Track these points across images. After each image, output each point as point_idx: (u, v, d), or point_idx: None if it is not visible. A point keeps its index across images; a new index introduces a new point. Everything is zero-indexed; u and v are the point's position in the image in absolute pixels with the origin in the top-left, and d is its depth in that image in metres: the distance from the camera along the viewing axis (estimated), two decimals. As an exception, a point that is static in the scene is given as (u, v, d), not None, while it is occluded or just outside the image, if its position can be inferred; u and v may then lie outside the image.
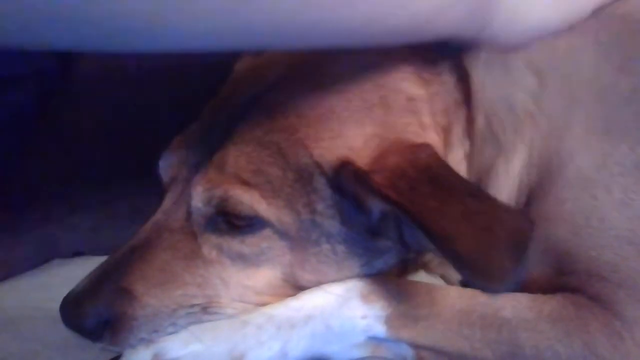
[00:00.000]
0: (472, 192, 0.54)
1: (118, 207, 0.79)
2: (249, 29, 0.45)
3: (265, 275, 0.62)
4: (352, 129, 0.59)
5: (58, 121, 0.83)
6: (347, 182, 0.57)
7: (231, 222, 0.60)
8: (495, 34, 0.59)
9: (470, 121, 0.65)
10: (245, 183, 0.59)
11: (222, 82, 0.71)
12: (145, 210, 0.65)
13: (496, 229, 0.50)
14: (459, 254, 0.49)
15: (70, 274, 0.68)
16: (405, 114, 0.61)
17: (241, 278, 0.61)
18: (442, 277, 0.70)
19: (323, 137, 0.59)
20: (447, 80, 0.66)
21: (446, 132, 0.64)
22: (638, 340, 0.57)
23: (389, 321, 0.61)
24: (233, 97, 0.65)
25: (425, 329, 0.61)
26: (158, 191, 0.66)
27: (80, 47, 0.44)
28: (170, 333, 0.60)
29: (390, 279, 0.64)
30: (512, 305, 0.60)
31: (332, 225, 0.60)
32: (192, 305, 0.60)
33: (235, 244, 0.60)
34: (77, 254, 0.80)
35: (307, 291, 0.62)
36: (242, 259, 0.61)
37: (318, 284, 0.62)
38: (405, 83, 0.63)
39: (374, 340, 0.62)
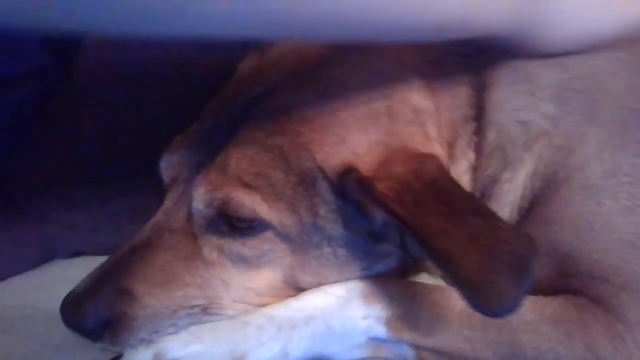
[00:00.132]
0: (477, 210, 0.53)
1: (118, 207, 0.79)
2: (288, 17, 0.44)
3: (266, 277, 0.62)
4: (357, 136, 0.59)
5: (58, 121, 0.83)
6: (351, 188, 0.57)
7: (232, 223, 0.60)
8: (539, 35, 0.59)
9: (479, 134, 0.65)
10: (247, 185, 0.59)
11: (224, 82, 0.70)
12: (145, 211, 0.65)
13: (500, 253, 0.49)
14: (460, 276, 0.48)
15: (70, 274, 0.68)
16: (411, 124, 0.61)
17: (242, 279, 0.61)
18: (443, 278, 0.70)
19: (327, 142, 0.59)
20: (460, 94, 0.65)
21: (450, 146, 0.64)
22: None
23: (389, 322, 0.61)
24: (236, 97, 0.65)
25: (426, 330, 0.61)
26: (158, 191, 0.66)
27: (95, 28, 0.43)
28: (171, 334, 0.60)
29: (391, 280, 0.64)
30: None
31: (334, 229, 0.60)
32: (193, 306, 0.60)
33: (236, 245, 0.60)
34: (77, 254, 0.79)
35: (308, 292, 0.62)
36: (243, 261, 0.61)
37: (318, 286, 0.62)
38: (414, 94, 0.63)
39: (375, 341, 0.62)
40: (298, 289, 0.62)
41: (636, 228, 0.60)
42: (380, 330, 0.61)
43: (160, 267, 0.60)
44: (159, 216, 0.63)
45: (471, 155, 0.66)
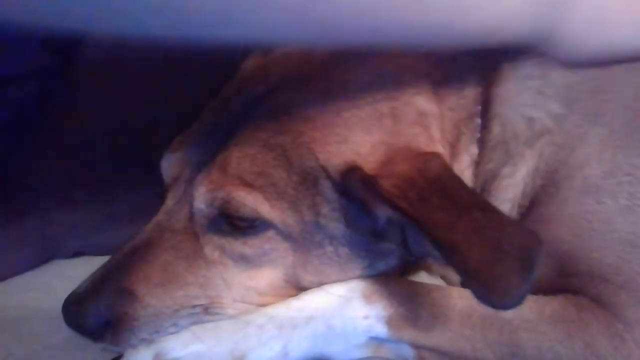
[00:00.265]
0: (482, 206, 0.53)
1: (118, 207, 0.79)
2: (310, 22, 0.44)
3: (267, 276, 0.62)
4: (360, 136, 0.59)
5: (58, 121, 0.83)
6: (354, 187, 0.57)
7: (234, 223, 0.60)
8: (563, 49, 0.58)
9: (483, 128, 0.65)
10: (249, 185, 0.59)
11: (225, 81, 0.70)
12: (146, 210, 0.65)
13: (505, 245, 0.49)
14: (466, 267, 0.49)
15: (71, 274, 0.68)
16: (415, 126, 0.61)
17: (243, 279, 0.61)
18: (443, 277, 0.70)
19: (329, 142, 0.59)
20: (466, 93, 0.65)
21: (453, 145, 0.64)
22: (639, 341, 0.57)
23: (390, 322, 0.61)
24: (237, 96, 0.65)
25: (426, 329, 0.61)
26: (159, 191, 0.66)
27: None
28: (172, 333, 0.60)
29: (392, 279, 0.64)
30: None
31: (336, 227, 0.60)
32: (194, 306, 0.60)
33: (237, 245, 0.60)
34: (77, 254, 0.79)
35: (308, 292, 0.62)
36: (245, 260, 0.61)
37: (320, 285, 0.62)
38: (418, 98, 0.63)
39: (376, 340, 0.62)
40: (299, 288, 0.62)
41: (635, 227, 0.60)
42: (381, 330, 0.61)
43: (161, 267, 0.60)
44: (160, 216, 0.63)
45: (474, 150, 0.66)
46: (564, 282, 0.62)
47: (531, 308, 0.60)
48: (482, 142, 0.66)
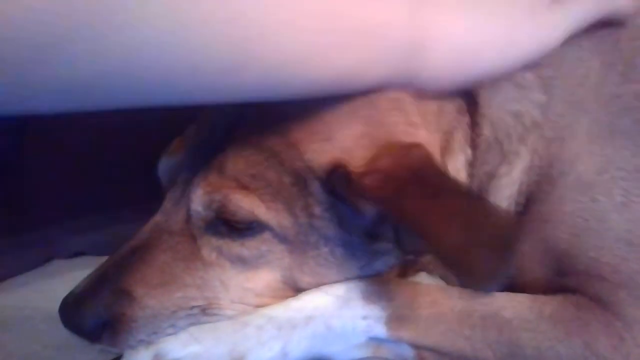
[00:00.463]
0: (459, 192, 0.54)
1: (118, 207, 0.79)
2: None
3: (264, 278, 0.62)
4: (341, 131, 0.59)
5: (58, 121, 0.83)
6: (338, 185, 0.57)
7: (231, 225, 0.60)
8: (426, 83, 0.60)
9: (474, 129, 0.65)
10: (245, 187, 0.58)
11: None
12: (145, 211, 0.65)
13: (482, 228, 0.50)
14: (444, 251, 0.50)
15: (70, 274, 0.69)
16: (392, 112, 0.60)
17: (241, 280, 0.61)
18: (443, 277, 0.70)
19: (314, 140, 0.59)
20: (450, 96, 0.65)
21: (447, 135, 0.64)
22: (638, 340, 0.57)
23: (389, 322, 0.61)
24: None
25: (426, 329, 0.61)
26: (158, 192, 0.66)
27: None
28: (170, 334, 0.60)
29: (391, 280, 0.64)
30: (513, 306, 0.60)
31: (330, 228, 0.60)
32: (192, 307, 0.60)
33: (235, 246, 0.60)
34: (77, 254, 0.80)
35: (307, 292, 0.62)
36: (242, 262, 0.61)
37: (317, 286, 0.62)
38: (391, 89, 0.62)
39: (375, 340, 0.62)
40: (297, 290, 0.62)
41: (632, 225, 0.59)
42: (380, 330, 0.61)
43: (159, 268, 0.60)
44: (157, 217, 0.63)
45: (468, 150, 0.66)
46: (562, 282, 0.61)
47: (530, 308, 0.60)
48: (475, 145, 0.65)
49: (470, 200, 0.53)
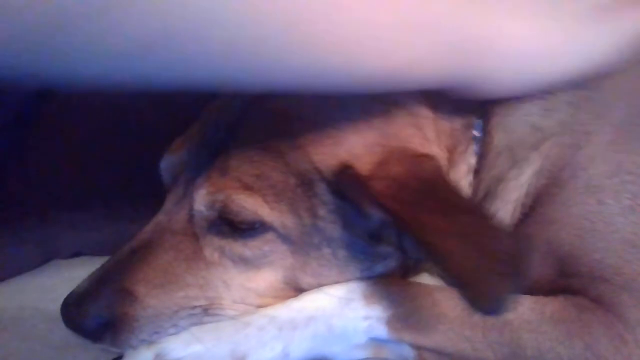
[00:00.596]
0: (472, 211, 0.54)
1: (118, 207, 0.79)
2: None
3: (266, 278, 0.62)
4: (353, 137, 0.59)
5: (58, 121, 0.83)
6: (347, 187, 0.57)
7: (234, 225, 0.60)
8: (483, 88, 0.60)
9: (486, 135, 0.65)
10: (248, 188, 0.58)
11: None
12: (145, 211, 0.65)
13: (493, 250, 0.49)
14: (454, 271, 0.49)
15: (70, 274, 0.69)
16: (409, 127, 0.61)
17: (243, 280, 0.61)
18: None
19: (323, 143, 0.59)
20: (464, 106, 0.65)
21: (450, 152, 0.64)
22: None
23: (390, 322, 0.61)
24: (236, 97, 0.65)
25: (426, 330, 0.61)
26: (159, 192, 0.66)
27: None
28: (172, 334, 0.60)
29: (392, 280, 0.64)
30: (514, 307, 0.60)
31: (334, 229, 0.60)
32: (194, 307, 0.60)
33: (237, 246, 0.60)
34: (77, 254, 0.79)
35: (309, 292, 0.62)
36: (244, 262, 0.61)
37: (319, 286, 0.62)
38: (411, 101, 0.63)
39: (376, 341, 0.62)
40: (299, 290, 0.62)
41: (637, 228, 0.59)
42: (381, 331, 0.61)
43: (161, 268, 0.60)
44: (160, 217, 0.63)
45: (471, 159, 0.66)
46: (565, 283, 0.61)
47: (532, 309, 0.60)
48: (483, 151, 0.65)
49: (482, 220, 0.53)
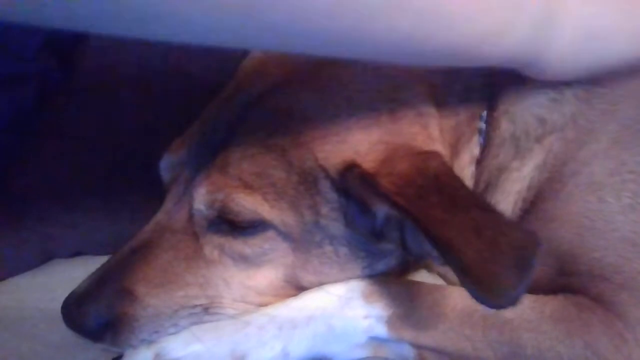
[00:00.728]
0: (480, 205, 0.53)
1: (118, 207, 0.79)
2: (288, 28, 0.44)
3: (266, 276, 0.62)
4: (358, 135, 0.59)
5: (59, 121, 0.83)
6: (352, 184, 0.57)
7: (234, 223, 0.60)
8: (548, 65, 0.59)
9: (491, 124, 0.65)
10: (248, 186, 0.58)
11: (226, 81, 0.70)
12: (145, 211, 0.65)
13: (502, 244, 0.49)
14: (463, 266, 0.48)
15: (70, 274, 0.69)
16: (414, 125, 0.61)
17: (243, 278, 0.61)
18: (443, 277, 0.70)
19: (328, 141, 0.59)
20: (472, 96, 0.65)
21: (453, 146, 0.64)
22: None
23: (390, 321, 0.61)
24: (237, 96, 0.65)
25: (426, 329, 0.61)
26: (159, 191, 0.66)
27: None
28: (172, 334, 0.60)
29: (392, 279, 0.64)
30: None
31: (336, 227, 0.60)
32: (194, 306, 0.60)
33: (237, 244, 0.60)
34: (77, 254, 0.79)
35: (308, 291, 0.62)
36: (244, 260, 0.61)
37: (320, 285, 0.62)
38: (416, 99, 0.63)
39: (376, 340, 0.62)
40: (299, 288, 0.62)
41: (637, 226, 0.60)
42: (381, 330, 0.61)
43: (161, 267, 0.60)
44: (159, 216, 0.63)
45: (475, 149, 0.66)
46: (564, 281, 0.62)
47: (532, 307, 0.60)
48: (488, 139, 0.65)
49: (490, 214, 0.53)
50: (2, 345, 0.67)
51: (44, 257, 0.79)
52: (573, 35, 0.57)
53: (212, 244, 0.61)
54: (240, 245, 0.60)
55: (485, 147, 0.66)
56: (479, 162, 0.66)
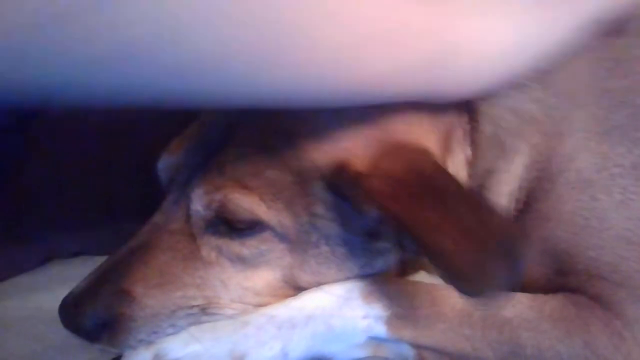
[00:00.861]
0: (469, 202, 0.53)
1: (118, 207, 0.79)
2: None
3: (264, 277, 0.61)
4: (350, 133, 0.59)
5: (58, 121, 0.83)
6: (344, 186, 0.57)
7: (231, 224, 0.59)
8: (447, 91, 0.59)
9: (473, 127, 0.65)
10: (245, 187, 0.58)
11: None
12: (144, 211, 0.65)
13: (491, 244, 0.49)
14: (452, 269, 0.49)
15: (70, 274, 0.68)
16: (402, 118, 0.60)
17: (240, 279, 0.61)
18: (442, 276, 0.70)
19: (320, 141, 0.58)
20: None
21: (446, 138, 0.64)
22: (639, 339, 0.57)
23: (389, 321, 0.61)
24: None
25: (426, 329, 0.61)
26: (158, 192, 0.66)
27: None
28: (170, 334, 0.60)
29: (391, 279, 0.64)
30: (513, 305, 0.60)
31: (331, 227, 0.60)
32: (192, 307, 0.60)
33: (234, 246, 0.60)
34: (77, 254, 0.80)
35: (308, 291, 0.62)
36: (242, 261, 0.61)
37: (318, 285, 0.62)
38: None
39: (375, 340, 0.62)
40: (297, 289, 0.62)
41: (631, 223, 0.60)
42: (381, 330, 0.61)
43: (158, 268, 0.60)
44: (157, 217, 0.63)
45: (467, 150, 0.66)
46: (562, 281, 0.61)
47: (531, 307, 0.60)
48: (474, 142, 0.65)
49: (479, 210, 0.53)
50: (2, 345, 0.67)
51: (44, 257, 0.79)
52: (469, 61, 0.57)
53: (210, 245, 0.61)
54: (238, 247, 0.60)
55: (473, 150, 0.65)
56: (472, 165, 0.66)
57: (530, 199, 0.65)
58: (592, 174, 0.62)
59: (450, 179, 0.56)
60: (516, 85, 0.64)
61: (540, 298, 0.61)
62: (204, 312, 0.60)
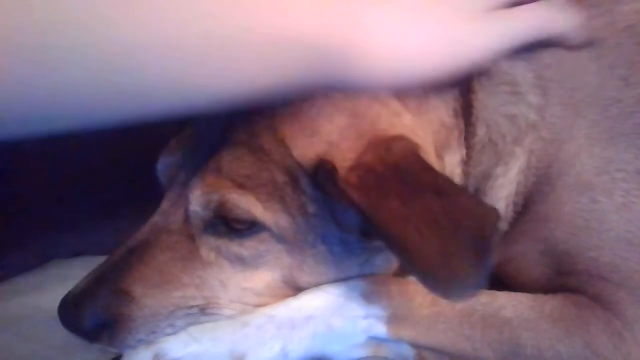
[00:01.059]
0: (440, 189, 0.52)
1: (118, 207, 0.79)
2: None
3: (263, 277, 0.61)
4: (325, 124, 0.57)
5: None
6: (323, 181, 0.55)
7: (230, 224, 0.59)
8: (356, 85, 0.56)
9: (468, 130, 0.65)
10: (242, 187, 0.58)
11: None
12: (144, 211, 0.65)
13: (459, 235, 0.48)
14: (418, 263, 0.48)
15: (70, 274, 0.68)
16: (372, 103, 0.59)
17: (239, 280, 0.61)
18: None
19: (300, 136, 0.57)
20: (445, 98, 0.64)
21: (441, 135, 0.63)
22: (639, 339, 0.57)
23: (390, 321, 0.61)
24: None
25: (426, 329, 0.61)
26: (157, 192, 0.66)
27: None
28: (169, 334, 0.60)
29: (391, 279, 0.64)
30: (513, 305, 0.60)
31: (326, 226, 0.59)
32: (191, 307, 0.60)
33: (233, 246, 0.60)
34: (77, 254, 0.79)
35: (308, 291, 0.62)
36: (241, 261, 0.61)
37: (317, 284, 0.62)
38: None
39: (375, 340, 0.62)
40: (297, 289, 0.62)
41: (632, 225, 0.60)
42: (381, 330, 0.61)
43: (157, 268, 0.60)
44: (156, 217, 0.63)
45: (463, 150, 0.65)
46: (562, 281, 0.62)
47: (531, 307, 0.60)
48: (468, 146, 0.65)
49: (450, 198, 0.51)
50: (2, 345, 0.67)
51: (44, 257, 0.79)
52: (375, 58, 0.54)
53: (209, 245, 0.61)
54: (237, 247, 0.60)
55: (468, 152, 0.65)
56: (466, 167, 0.65)
57: (529, 202, 0.65)
58: (593, 177, 0.61)
59: (423, 164, 0.54)
60: (515, 93, 0.64)
61: (540, 298, 0.61)
62: (203, 312, 0.60)
